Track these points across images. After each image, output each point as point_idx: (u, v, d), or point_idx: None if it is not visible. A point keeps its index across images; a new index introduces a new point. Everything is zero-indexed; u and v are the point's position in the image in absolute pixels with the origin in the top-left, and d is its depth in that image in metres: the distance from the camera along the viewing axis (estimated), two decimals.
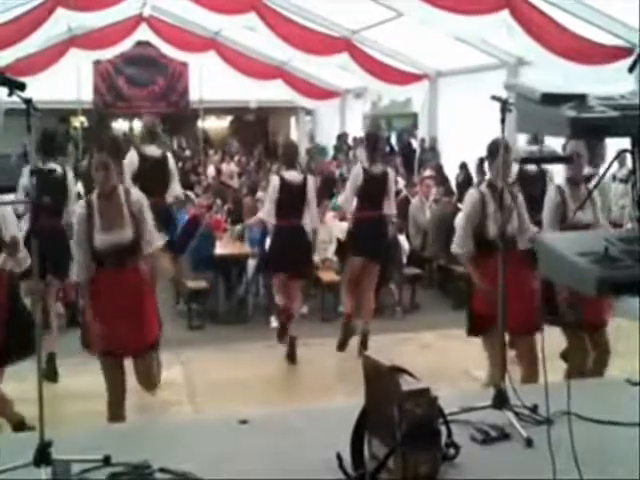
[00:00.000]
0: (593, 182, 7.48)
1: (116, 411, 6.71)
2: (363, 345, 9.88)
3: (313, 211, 10.04)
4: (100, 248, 6.50)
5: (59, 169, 8.98)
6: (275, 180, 9.93)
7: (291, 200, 9.75)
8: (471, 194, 7.11)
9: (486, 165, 7.32)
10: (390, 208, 10.22)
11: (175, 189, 10.13)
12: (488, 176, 7.22)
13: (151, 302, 6.85)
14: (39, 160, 8.62)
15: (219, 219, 14.01)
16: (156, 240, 6.81)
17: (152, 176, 9.43)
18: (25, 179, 8.27)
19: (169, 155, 10.03)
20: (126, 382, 6.77)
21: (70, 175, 9.25)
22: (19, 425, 6.84)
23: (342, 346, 10.09)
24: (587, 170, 7.49)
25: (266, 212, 9.98)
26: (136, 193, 6.78)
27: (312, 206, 9.99)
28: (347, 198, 10.27)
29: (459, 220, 7.26)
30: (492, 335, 6.51)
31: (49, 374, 8.70)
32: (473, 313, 7.01)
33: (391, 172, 10.53)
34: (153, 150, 9.72)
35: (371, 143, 10.41)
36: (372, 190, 9.98)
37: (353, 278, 10.33)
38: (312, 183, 10.17)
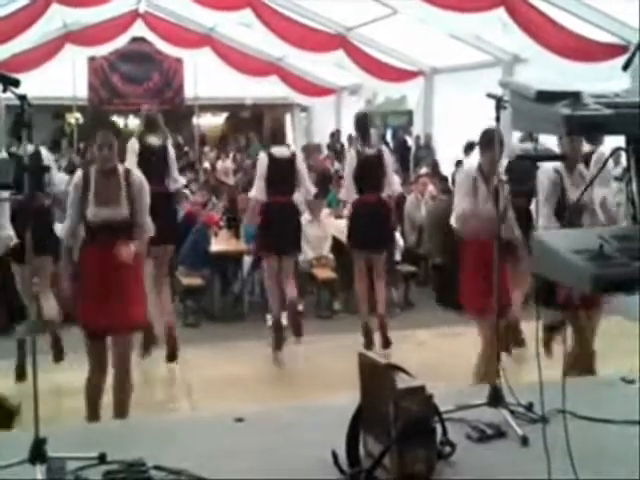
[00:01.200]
0: (593, 158, 7.48)
1: (93, 396, 6.71)
2: (385, 339, 9.94)
3: (306, 184, 10.05)
4: (93, 221, 6.50)
5: (32, 147, 8.96)
6: (263, 157, 9.92)
7: (281, 176, 9.76)
8: (466, 172, 7.20)
9: (477, 150, 7.33)
10: (391, 188, 10.21)
11: (176, 177, 10.14)
12: (478, 160, 7.26)
13: (139, 284, 6.82)
14: (12, 145, 8.57)
15: (213, 215, 13.99)
16: (148, 228, 6.79)
17: (153, 165, 9.45)
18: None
19: (169, 145, 10.04)
20: (107, 366, 6.74)
21: (44, 152, 9.20)
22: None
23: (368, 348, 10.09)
24: (587, 147, 7.51)
25: (257, 190, 9.95)
26: (138, 175, 6.77)
27: (304, 179, 10.01)
28: (347, 187, 10.26)
29: (456, 193, 7.30)
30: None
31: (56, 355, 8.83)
32: (464, 293, 7.10)
33: (387, 151, 10.51)
34: (153, 139, 9.73)
35: (361, 124, 10.39)
36: (368, 172, 9.95)
37: (362, 278, 10.31)
38: (301, 157, 10.16)
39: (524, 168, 8.45)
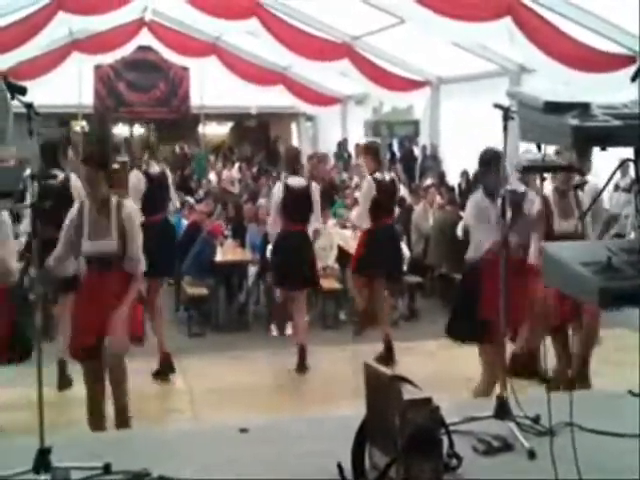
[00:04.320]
0: (585, 189, 7.44)
1: (96, 420, 6.69)
2: (389, 354, 9.91)
3: (317, 213, 10.07)
4: (85, 254, 6.59)
5: (61, 176, 8.95)
6: (279, 187, 9.91)
7: (295, 206, 9.75)
8: (475, 198, 7.14)
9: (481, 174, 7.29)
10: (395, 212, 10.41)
11: (174, 200, 10.24)
12: (482, 186, 7.19)
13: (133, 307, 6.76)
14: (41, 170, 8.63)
15: (218, 225, 13.97)
16: (140, 263, 6.73)
17: (157, 193, 9.55)
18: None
19: (167, 171, 10.19)
20: (105, 390, 6.72)
21: (74, 181, 9.18)
22: None
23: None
24: (577, 179, 7.48)
25: (272, 223, 10.00)
26: (129, 206, 6.78)
27: (316, 209, 10.01)
28: (361, 214, 10.31)
29: (470, 225, 7.23)
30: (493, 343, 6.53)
31: (62, 382, 8.75)
32: (480, 319, 6.96)
33: (396, 178, 10.62)
34: (155, 167, 9.80)
35: (374, 152, 10.46)
36: (385, 199, 10.06)
37: (364, 293, 10.36)
38: (316, 189, 10.17)
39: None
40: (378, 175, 10.11)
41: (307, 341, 9.95)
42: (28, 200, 7.97)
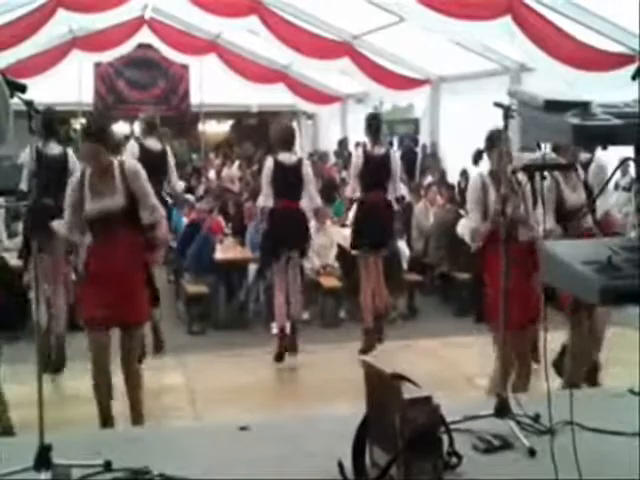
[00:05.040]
0: (592, 168, 7.46)
1: (101, 392, 6.67)
2: (377, 329, 10.07)
3: (312, 192, 10.02)
4: (89, 216, 6.50)
5: (58, 149, 8.97)
6: (269, 162, 9.87)
7: (286, 182, 9.72)
8: (474, 179, 7.17)
9: (485, 156, 7.29)
10: (395, 191, 10.22)
11: (174, 181, 10.10)
12: (488, 166, 7.21)
13: (142, 277, 6.78)
14: (39, 142, 8.61)
15: (218, 222, 13.94)
16: (157, 209, 6.74)
17: (151, 168, 9.42)
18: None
19: (168, 149, 10.02)
20: (110, 361, 6.70)
21: (71, 156, 9.18)
22: (5, 431, 6.84)
23: (369, 349, 10.08)
24: (584, 156, 7.49)
25: (264, 196, 9.92)
26: (132, 164, 6.78)
27: (310, 187, 9.99)
28: (353, 186, 10.28)
29: (468, 202, 7.24)
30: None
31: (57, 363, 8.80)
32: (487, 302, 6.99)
33: (394, 153, 10.51)
34: (153, 143, 9.71)
35: (372, 125, 10.38)
36: (374, 172, 9.96)
37: (368, 278, 10.31)
38: (307, 164, 10.15)
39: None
40: (369, 148, 10.09)
41: (300, 317, 10.18)
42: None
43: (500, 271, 6.28)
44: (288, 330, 10.14)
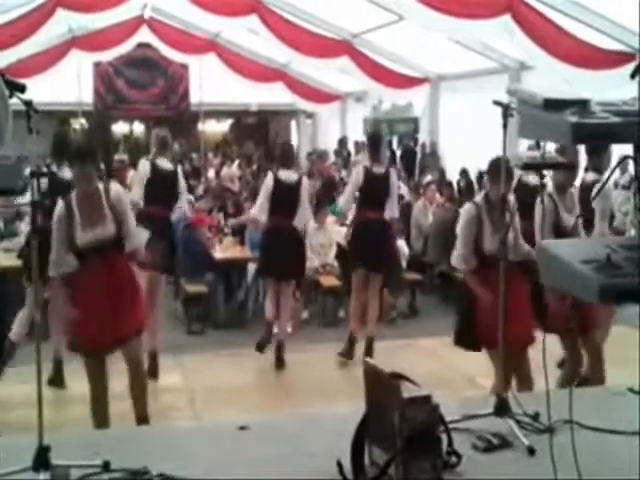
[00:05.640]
0: (595, 189, 7.44)
1: (100, 414, 6.69)
2: (368, 353, 9.81)
3: (305, 211, 10.07)
4: (82, 246, 6.49)
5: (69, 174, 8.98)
6: (269, 179, 9.93)
7: (284, 200, 9.77)
8: (467, 210, 7.14)
9: (485, 179, 7.29)
10: (392, 211, 10.18)
11: (183, 203, 10.06)
12: (486, 189, 7.19)
13: (135, 294, 6.82)
14: (54, 164, 8.68)
15: (204, 218, 13.79)
16: (138, 236, 6.81)
17: (162, 188, 9.42)
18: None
19: (180, 170, 10.00)
20: (108, 383, 6.75)
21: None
22: None
23: (347, 355, 10.05)
24: (591, 176, 7.48)
25: (257, 209, 9.99)
26: (115, 188, 6.75)
27: (305, 206, 10.04)
28: (347, 199, 10.27)
29: (458, 235, 7.24)
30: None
31: (55, 379, 8.72)
32: (479, 327, 6.96)
33: (394, 173, 10.47)
34: (165, 163, 9.66)
35: (373, 143, 10.38)
36: (373, 190, 9.94)
37: (359, 292, 10.30)
38: (307, 184, 10.18)
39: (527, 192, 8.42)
40: (370, 166, 10.08)
41: (287, 338, 10.12)
42: (27, 198, 8.05)
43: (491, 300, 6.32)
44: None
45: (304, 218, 10.20)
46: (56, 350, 8.71)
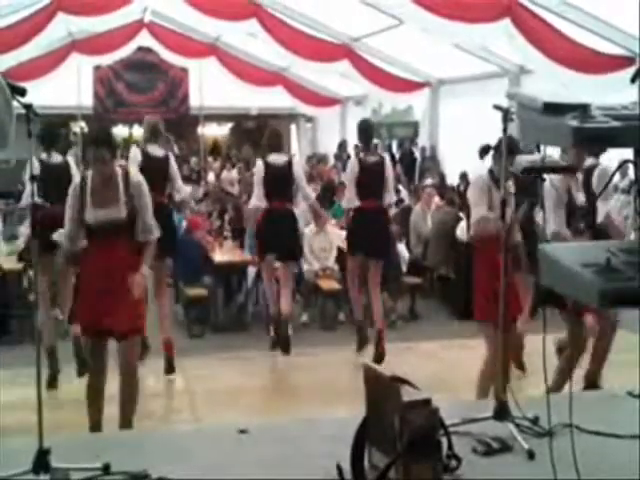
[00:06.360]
0: (596, 173, 7.46)
1: (94, 397, 6.65)
2: (379, 351, 9.85)
3: (305, 189, 10.17)
4: (91, 223, 6.44)
5: (60, 158, 8.99)
6: (259, 164, 10.02)
7: (277, 182, 9.82)
8: (477, 179, 7.19)
9: (491, 154, 7.29)
10: (390, 196, 10.20)
11: (180, 187, 10.05)
12: (489, 167, 7.21)
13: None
14: (43, 152, 8.69)
15: (196, 219, 13.76)
16: (152, 230, 6.68)
17: (154, 175, 9.39)
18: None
19: (171, 155, 9.99)
20: (107, 368, 6.67)
21: (72, 165, 9.23)
22: None
23: (360, 349, 10.15)
24: (590, 161, 7.50)
25: (256, 197, 10.03)
26: (136, 176, 6.67)
27: (302, 184, 10.11)
28: (349, 197, 10.21)
29: (471, 202, 7.24)
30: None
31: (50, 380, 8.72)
32: (476, 299, 7.07)
33: (388, 160, 10.47)
34: (156, 149, 9.66)
35: (363, 132, 10.37)
36: (369, 179, 9.92)
37: (355, 279, 10.29)
38: (298, 163, 10.19)
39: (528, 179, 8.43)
40: (363, 155, 10.09)
41: (291, 317, 10.16)
42: (24, 202, 8.09)
43: (489, 273, 6.37)
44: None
45: (307, 197, 10.32)
46: (48, 340, 8.76)
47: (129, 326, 6.53)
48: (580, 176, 7.26)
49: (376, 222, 10.04)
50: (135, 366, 6.78)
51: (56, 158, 8.88)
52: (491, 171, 7.09)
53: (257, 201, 10.01)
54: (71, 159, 9.38)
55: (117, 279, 6.44)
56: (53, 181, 7.78)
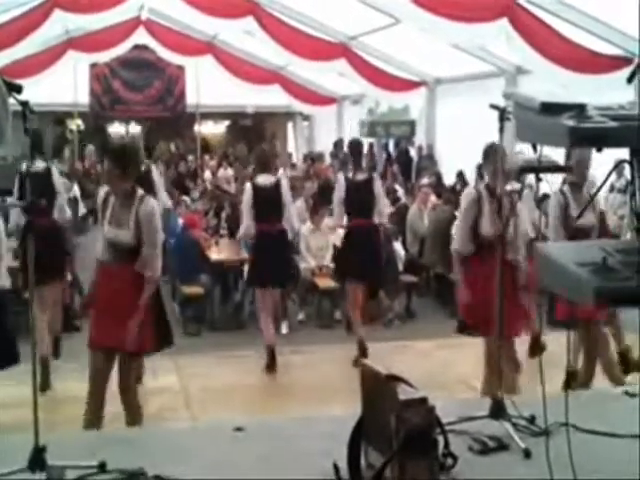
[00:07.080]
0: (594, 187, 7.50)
1: (93, 413, 6.61)
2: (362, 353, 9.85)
3: (291, 214, 10.02)
4: (105, 238, 6.46)
5: (42, 165, 8.94)
6: (248, 187, 9.92)
7: (266, 204, 9.72)
8: (468, 192, 7.24)
9: (483, 169, 7.35)
10: (381, 216, 10.17)
11: (163, 198, 10.00)
12: (486, 179, 7.24)
13: (134, 313, 6.46)
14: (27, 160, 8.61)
15: (192, 216, 13.75)
16: (154, 261, 6.47)
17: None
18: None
19: (153, 167, 9.96)
20: (106, 387, 6.64)
21: (55, 171, 9.20)
22: None
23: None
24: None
25: (244, 227, 9.94)
26: (150, 204, 6.46)
27: (289, 208, 10.00)
28: (337, 214, 10.26)
29: (457, 219, 7.32)
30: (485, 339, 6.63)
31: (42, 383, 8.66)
32: (466, 313, 7.11)
33: (377, 178, 10.47)
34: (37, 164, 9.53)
35: (354, 151, 10.42)
36: (358, 198, 9.93)
37: (358, 304, 10.29)
38: (286, 184, 10.16)
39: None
40: (351, 174, 10.10)
41: (276, 343, 9.98)
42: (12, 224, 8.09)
43: (481, 284, 6.40)
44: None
45: (292, 217, 10.12)
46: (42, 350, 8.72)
47: (129, 346, 6.45)
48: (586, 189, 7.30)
49: (367, 242, 10.06)
50: (131, 383, 6.69)
51: (38, 165, 8.79)
52: (488, 185, 7.10)
53: (246, 229, 9.91)
54: (55, 168, 9.32)
55: (115, 301, 6.40)
56: (33, 191, 7.68)
